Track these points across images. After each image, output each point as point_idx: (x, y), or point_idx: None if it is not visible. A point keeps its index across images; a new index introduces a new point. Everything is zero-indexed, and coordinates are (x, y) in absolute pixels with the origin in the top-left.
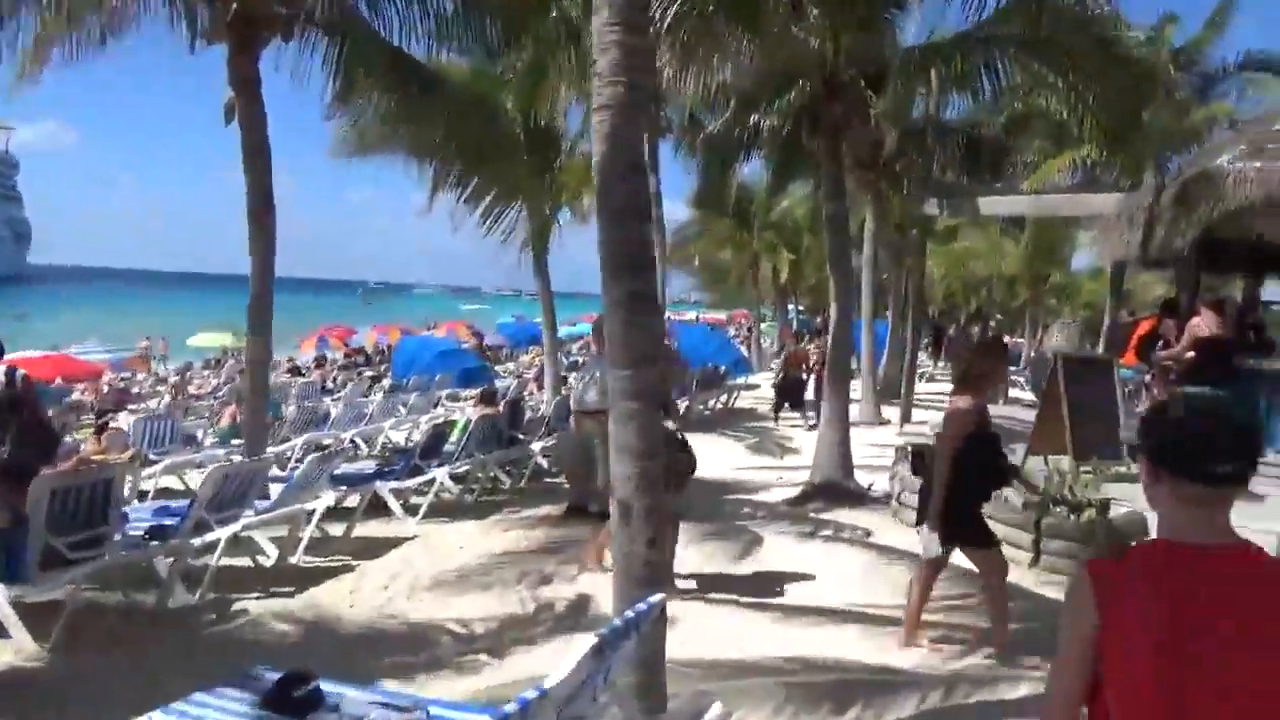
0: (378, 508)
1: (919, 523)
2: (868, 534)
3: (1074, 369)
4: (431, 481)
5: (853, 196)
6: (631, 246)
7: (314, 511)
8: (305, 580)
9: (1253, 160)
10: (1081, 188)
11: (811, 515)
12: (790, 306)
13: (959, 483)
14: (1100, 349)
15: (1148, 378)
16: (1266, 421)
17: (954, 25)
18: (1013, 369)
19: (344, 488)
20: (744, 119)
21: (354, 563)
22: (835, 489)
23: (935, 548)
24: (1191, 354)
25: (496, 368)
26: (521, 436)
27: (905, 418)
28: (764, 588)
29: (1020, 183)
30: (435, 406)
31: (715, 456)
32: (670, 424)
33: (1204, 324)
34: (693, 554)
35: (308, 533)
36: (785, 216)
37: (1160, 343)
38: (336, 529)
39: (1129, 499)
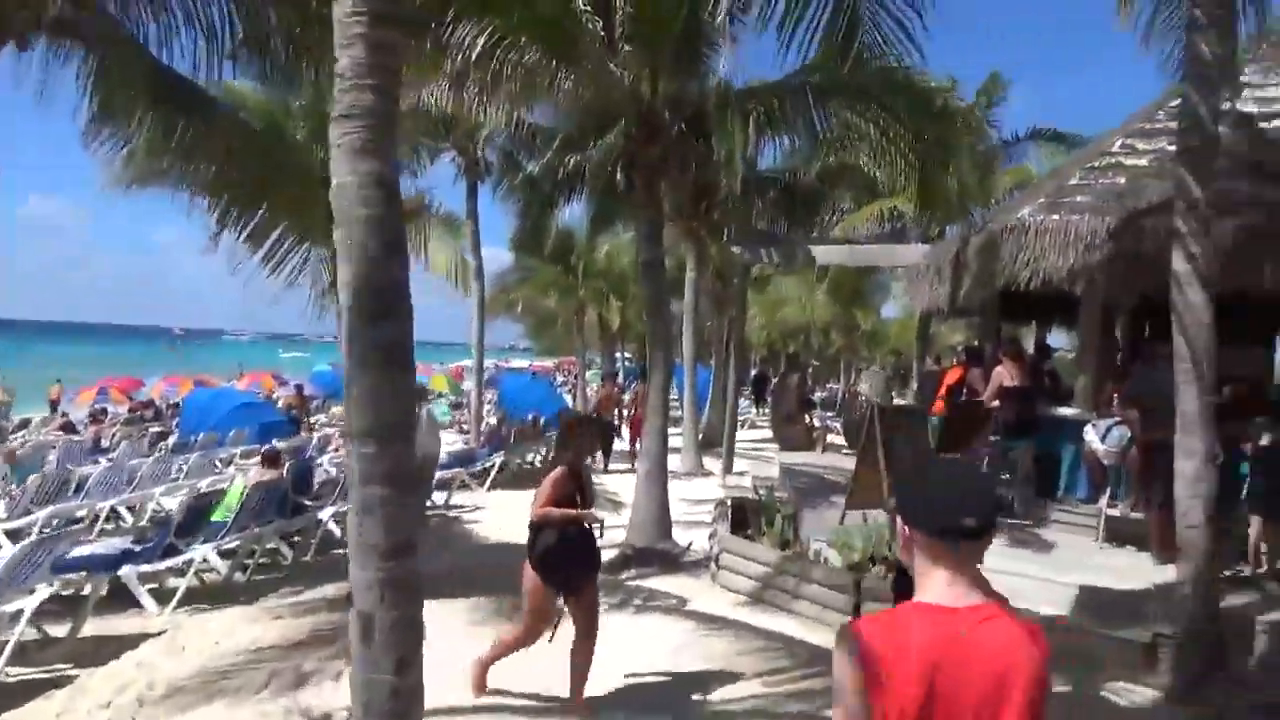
0: (123, 596)
1: None
2: (684, 602)
3: (891, 420)
4: (191, 561)
5: (676, 242)
6: (383, 285)
7: (21, 612)
8: (2, 701)
9: (1050, 214)
10: (890, 238)
11: (626, 582)
12: (618, 354)
13: None
14: (909, 397)
15: None
16: (1064, 468)
17: (776, 70)
18: (829, 414)
19: (75, 574)
20: (564, 159)
21: (74, 672)
22: (651, 552)
23: None
24: (997, 402)
25: (313, 419)
26: (309, 503)
27: (727, 468)
28: (562, 676)
29: (831, 231)
30: (228, 466)
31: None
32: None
33: (1007, 372)
34: (485, 637)
35: (14, 637)
36: (614, 262)
37: (966, 391)
38: (62, 628)
39: None
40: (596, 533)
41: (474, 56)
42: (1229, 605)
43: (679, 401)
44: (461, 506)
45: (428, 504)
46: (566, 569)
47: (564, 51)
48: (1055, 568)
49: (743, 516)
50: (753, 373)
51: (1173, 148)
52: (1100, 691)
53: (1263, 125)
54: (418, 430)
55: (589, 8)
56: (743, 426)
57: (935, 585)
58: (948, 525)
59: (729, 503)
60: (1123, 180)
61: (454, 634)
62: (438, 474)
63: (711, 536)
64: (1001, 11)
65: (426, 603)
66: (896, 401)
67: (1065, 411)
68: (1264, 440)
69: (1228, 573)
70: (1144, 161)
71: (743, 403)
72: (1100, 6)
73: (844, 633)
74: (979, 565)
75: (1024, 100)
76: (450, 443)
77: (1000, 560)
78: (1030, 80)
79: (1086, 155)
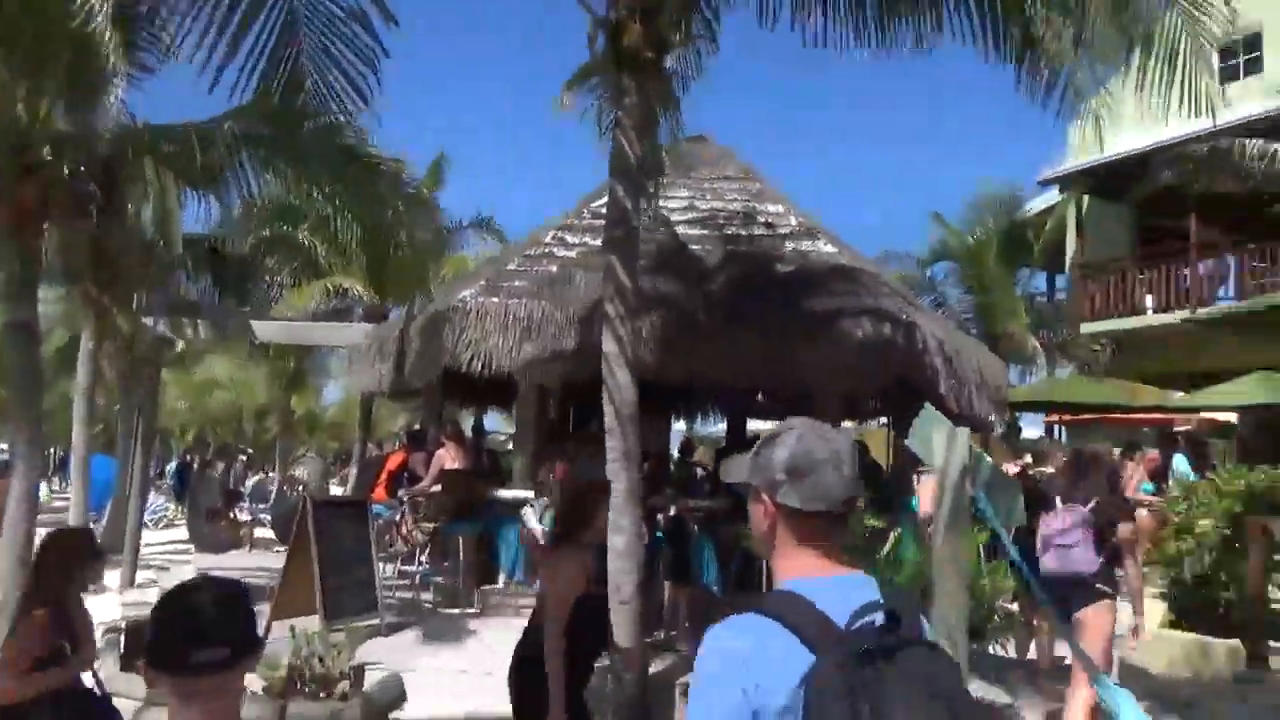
0: None
1: None
2: None
3: (325, 514)
4: None
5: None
6: None
7: None
8: None
9: (491, 296)
10: (333, 316)
11: None
12: None
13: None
14: (349, 485)
15: (398, 515)
16: (505, 551)
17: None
18: (260, 506)
19: None
20: None
21: None
22: None
23: None
24: (439, 487)
25: None
26: None
27: (129, 580)
28: None
29: (272, 306)
30: None
31: None
32: None
33: (449, 455)
34: None
35: None
36: None
37: (409, 477)
38: None
39: (386, 660)
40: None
41: None
42: (654, 671)
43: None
44: None
45: None
46: None
47: None
48: (494, 658)
49: (140, 642)
50: (173, 464)
51: (597, 243)
52: None
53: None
54: None
55: None
56: (158, 526)
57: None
58: (179, 662)
59: (124, 626)
60: (555, 269)
61: None
62: None
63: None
64: (442, 93)
65: None
66: (335, 491)
67: (505, 493)
68: (672, 511)
69: (648, 639)
70: (573, 254)
71: (159, 499)
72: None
73: None
74: None
75: (461, 188)
76: None
77: (436, 656)
78: (466, 168)
79: (523, 245)
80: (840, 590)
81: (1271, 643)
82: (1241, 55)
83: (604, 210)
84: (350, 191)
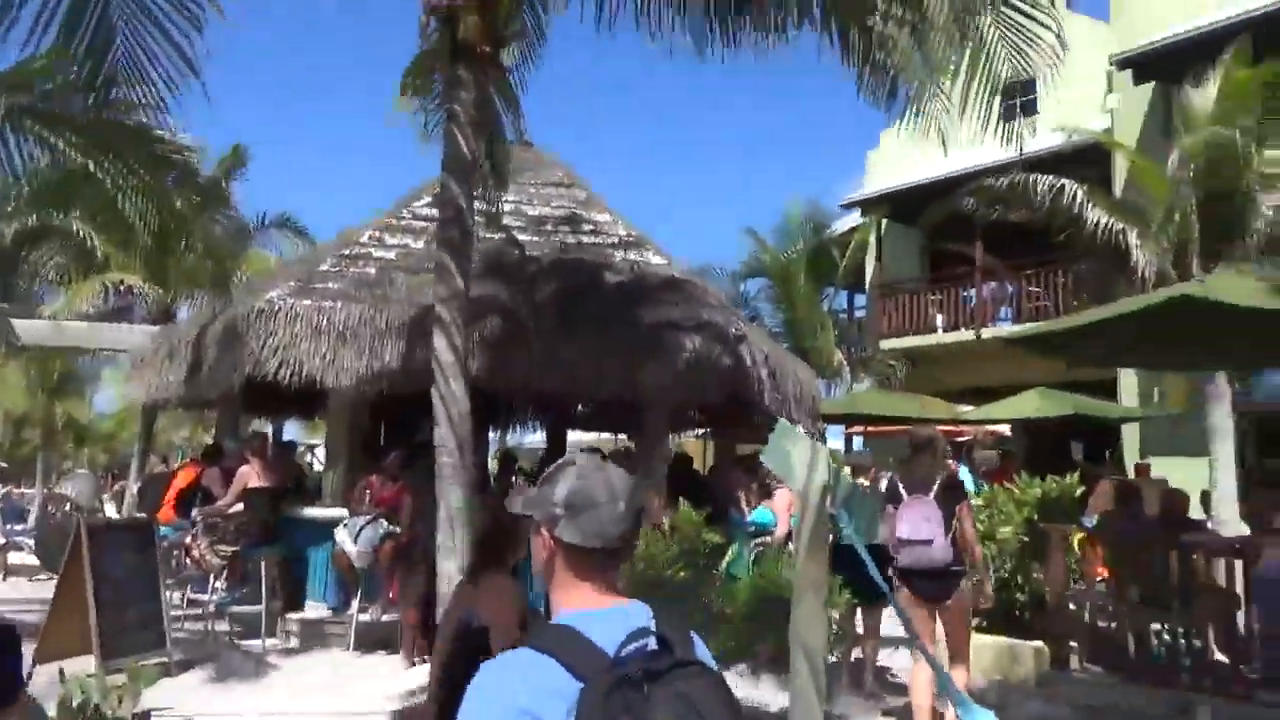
0: None
1: None
2: None
3: (102, 538)
4: None
5: None
6: None
7: None
8: None
9: (303, 298)
10: (113, 316)
11: None
12: None
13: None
14: (126, 504)
15: (189, 537)
16: (314, 573)
17: None
18: (18, 528)
19: None
20: None
21: None
22: None
23: None
24: (240, 506)
25: None
26: None
27: None
28: None
29: (38, 306)
30: None
31: None
32: None
33: (254, 471)
34: None
35: None
36: None
37: (202, 494)
38: None
39: (177, 704)
40: None
41: None
42: None
43: None
44: None
45: None
46: None
47: None
48: (303, 698)
49: None
50: None
51: (419, 245)
52: None
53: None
54: None
55: None
56: None
57: None
58: None
59: None
60: (373, 271)
61: None
62: None
63: None
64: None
65: None
66: (109, 510)
67: (314, 512)
68: None
69: None
70: (393, 255)
71: None
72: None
73: None
74: None
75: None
76: None
77: (234, 697)
78: (266, 166)
79: (337, 244)
80: (614, 620)
81: (1072, 644)
82: (1019, 96)
83: (426, 211)
84: (137, 175)
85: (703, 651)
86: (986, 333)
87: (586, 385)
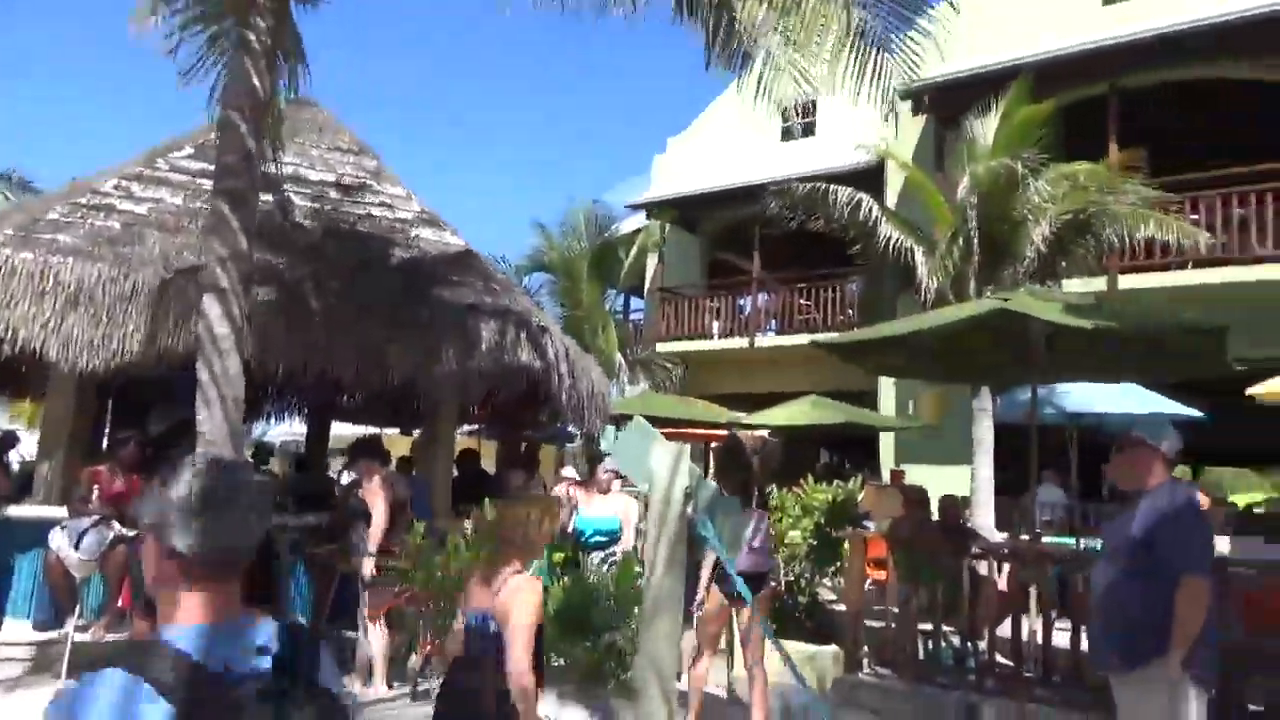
0: None
1: None
2: None
3: None
4: None
5: None
6: None
7: None
8: None
9: (22, 250)
10: None
11: None
12: None
13: None
14: None
15: None
16: (18, 585)
17: None
18: None
19: None
20: None
21: None
22: None
23: None
24: None
25: None
26: None
27: None
28: None
29: None
30: None
31: None
32: None
33: None
34: None
35: None
36: None
37: None
38: None
39: None
40: None
41: None
42: None
43: None
44: None
45: None
46: None
47: None
48: None
49: None
50: None
51: (176, 200)
52: None
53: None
54: None
55: None
56: None
57: None
58: None
59: None
60: (118, 225)
61: None
62: None
63: None
64: None
65: None
66: None
67: (21, 512)
68: None
69: None
70: (143, 209)
71: None
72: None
73: None
74: None
75: None
76: None
77: None
78: None
79: (70, 192)
80: (225, 638)
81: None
82: (798, 119)
83: (190, 164)
84: None
85: (329, 675)
86: (759, 341)
87: (370, 372)
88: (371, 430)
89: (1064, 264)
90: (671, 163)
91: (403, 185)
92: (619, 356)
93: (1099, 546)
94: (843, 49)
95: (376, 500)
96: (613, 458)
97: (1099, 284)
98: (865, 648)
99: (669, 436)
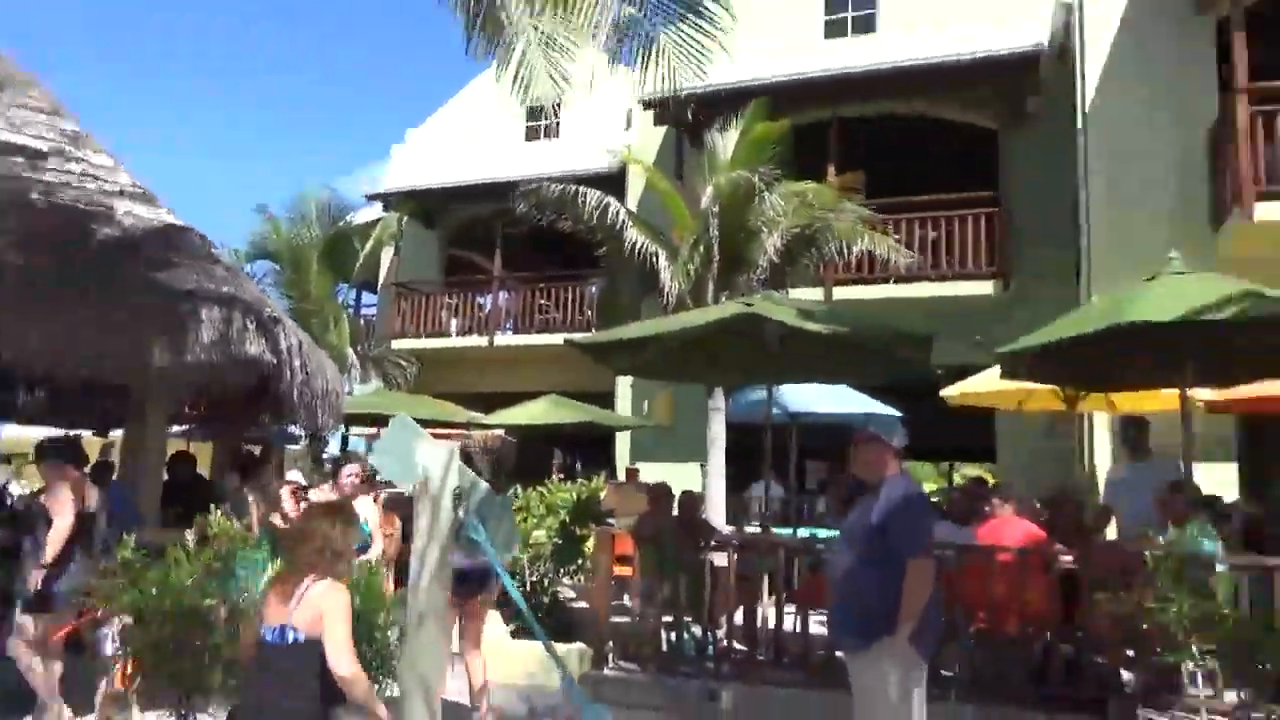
0: None
1: None
2: None
3: None
4: None
5: None
6: None
7: None
8: None
9: None
10: None
11: None
12: None
13: None
14: None
15: None
16: None
17: None
18: None
19: None
20: None
21: None
22: None
23: None
24: None
25: None
26: None
27: None
28: None
29: None
30: None
31: None
32: None
33: None
34: None
35: None
36: None
37: None
38: None
39: None
40: None
41: None
42: None
43: None
44: None
45: None
46: None
47: None
48: None
49: None
50: None
51: None
52: None
53: None
54: None
55: None
56: None
57: None
58: None
59: None
60: None
61: None
62: None
63: None
64: None
65: None
66: None
67: None
68: None
69: None
70: None
71: None
72: None
73: None
74: None
75: None
76: None
77: None
78: None
79: None
80: None
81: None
82: (544, 120)
83: None
84: None
85: None
86: (499, 340)
87: (65, 362)
88: (53, 432)
89: (790, 274)
90: (411, 154)
91: (108, 154)
92: (350, 353)
93: (816, 535)
94: (612, 44)
95: (64, 507)
96: (375, 457)
97: (817, 294)
98: (610, 643)
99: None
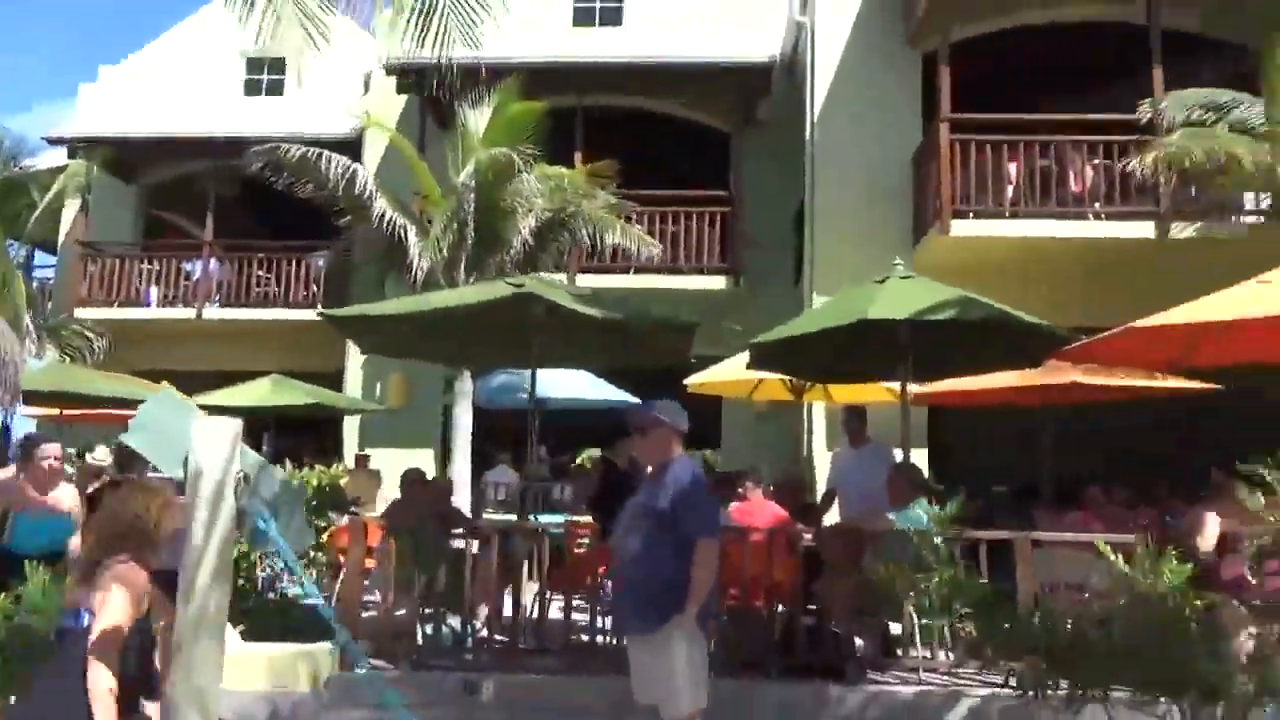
0: None
1: None
2: None
3: None
4: None
5: None
6: None
7: None
8: None
9: None
10: None
11: None
12: None
13: None
14: None
15: None
16: None
17: None
18: None
19: None
20: None
21: None
22: None
23: None
24: None
25: None
26: None
27: None
28: None
29: None
30: None
31: None
32: None
33: None
34: None
35: None
36: None
37: None
38: None
39: None
40: None
41: None
42: None
43: None
44: None
45: None
46: None
47: None
48: None
49: None
50: None
51: None
52: None
53: None
54: None
55: None
56: None
57: None
58: None
59: None
60: None
61: None
62: None
63: None
64: None
65: None
66: None
67: None
68: None
69: None
70: None
71: None
72: None
73: None
74: None
75: None
76: None
77: None
78: None
79: None
80: None
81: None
82: (265, 74)
83: None
84: None
85: None
86: (208, 313)
87: None
88: None
89: (540, 258)
90: (104, 95)
91: None
92: (27, 321)
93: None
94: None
95: None
96: (131, 436)
97: (561, 280)
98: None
99: (90, 420)
